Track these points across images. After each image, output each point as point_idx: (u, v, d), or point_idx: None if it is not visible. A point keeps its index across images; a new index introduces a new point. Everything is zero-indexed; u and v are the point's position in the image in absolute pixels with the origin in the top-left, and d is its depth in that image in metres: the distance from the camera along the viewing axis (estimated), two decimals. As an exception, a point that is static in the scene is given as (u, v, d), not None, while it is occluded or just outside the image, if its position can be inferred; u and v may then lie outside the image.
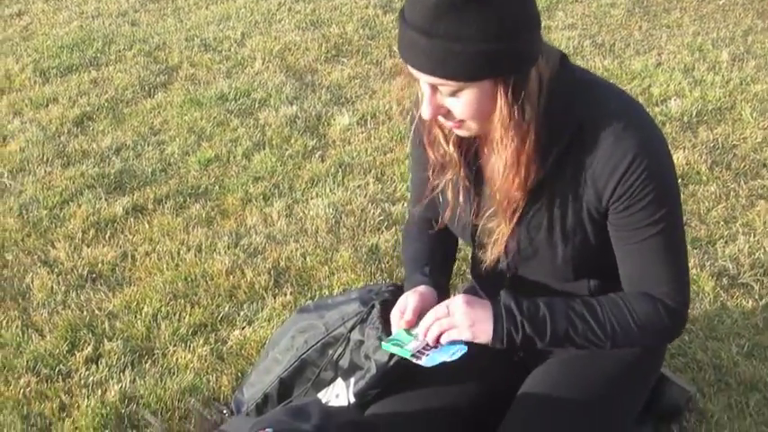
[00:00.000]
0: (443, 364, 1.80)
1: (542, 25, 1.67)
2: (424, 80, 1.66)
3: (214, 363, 2.85)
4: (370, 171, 3.96)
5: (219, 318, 3.06)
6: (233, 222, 3.66)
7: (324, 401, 2.12)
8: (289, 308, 3.06)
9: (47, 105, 4.85)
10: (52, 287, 3.28)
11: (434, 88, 1.68)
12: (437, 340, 1.84)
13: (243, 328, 3.00)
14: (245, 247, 3.46)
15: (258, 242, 3.48)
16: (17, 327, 3.08)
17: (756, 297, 3.01)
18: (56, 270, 3.39)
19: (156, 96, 4.89)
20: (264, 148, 4.23)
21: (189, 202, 3.83)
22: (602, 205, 1.77)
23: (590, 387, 1.97)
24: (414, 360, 1.83)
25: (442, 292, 1.98)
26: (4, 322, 3.11)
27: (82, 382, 2.81)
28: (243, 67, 5.24)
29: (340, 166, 4.01)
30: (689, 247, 2.55)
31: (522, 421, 1.92)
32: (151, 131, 4.50)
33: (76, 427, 2.63)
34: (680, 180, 3.56)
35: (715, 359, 2.75)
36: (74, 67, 5.35)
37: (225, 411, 2.60)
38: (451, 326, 1.83)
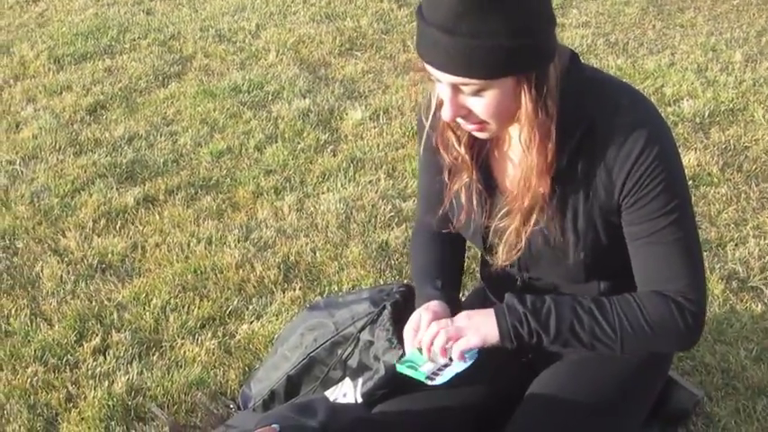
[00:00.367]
0: (456, 375, 1.81)
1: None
2: (447, 80, 1.64)
3: (222, 357, 2.86)
4: (382, 166, 3.96)
5: (228, 311, 3.07)
6: (244, 215, 3.66)
7: (331, 399, 2.12)
8: (298, 303, 3.07)
9: (60, 93, 4.88)
10: (62, 276, 3.29)
11: (456, 89, 1.66)
12: (448, 357, 1.83)
13: (251, 323, 3.00)
14: (256, 240, 3.46)
15: (268, 236, 3.48)
16: (26, 315, 3.09)
17: (766, 301, 3.00)
18: (66, 259, 3.40)
19: (169, 86, 4.91)
20: (277, 141, 4.23)
21: (200, 194, 3.84)
22: (614, 200, 1.76)
23: (598, 390, 1.96)
24: (428, 382, 1.82)
25: (455, 307, 1.96)
26: (13, 311, 3.13)
27: (89, 372, 2.82)
28: (257, 58, 5.24)
29: (352, 161, 4.00)
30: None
31: (529, 422, 1.91)
32: (164, 121, 4.51)
33: (83, 418, 2.64)
34: (691, 181, 3.58)
35: (723, 363, 2.73)
36: (88, 55, 5.38)
37: (231, 406, 2.60)
38: (458, 332, 1.82)
